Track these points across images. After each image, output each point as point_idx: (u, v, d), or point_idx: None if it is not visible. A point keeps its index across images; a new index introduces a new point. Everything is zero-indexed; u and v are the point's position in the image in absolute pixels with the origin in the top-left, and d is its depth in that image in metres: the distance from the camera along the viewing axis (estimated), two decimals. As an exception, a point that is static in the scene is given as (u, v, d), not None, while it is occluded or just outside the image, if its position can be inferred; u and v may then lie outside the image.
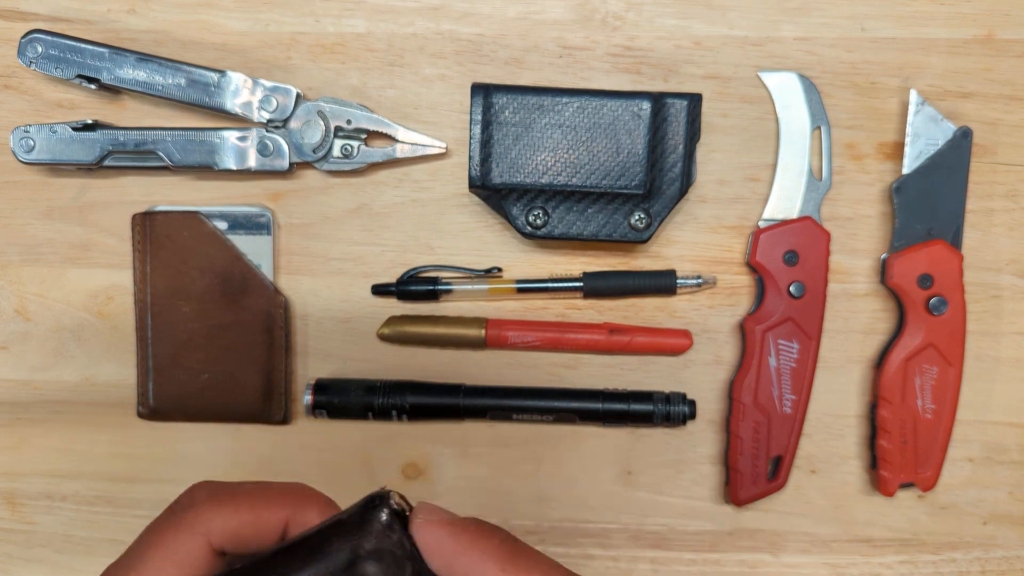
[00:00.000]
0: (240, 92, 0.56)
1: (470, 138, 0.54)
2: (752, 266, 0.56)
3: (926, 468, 0.56)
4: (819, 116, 0.56)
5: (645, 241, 0.55)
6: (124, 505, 0.60)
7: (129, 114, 0.59)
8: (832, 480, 0.58)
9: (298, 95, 0.56)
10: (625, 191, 0.54)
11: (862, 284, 0.58)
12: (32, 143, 0.57)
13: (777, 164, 0.56)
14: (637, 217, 0.55)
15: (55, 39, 0.56)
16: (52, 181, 0.59)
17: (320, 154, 0.57)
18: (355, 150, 0.57)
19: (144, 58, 0.56)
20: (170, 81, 0.56)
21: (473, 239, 0.58)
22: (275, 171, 0.57)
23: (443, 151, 0.57)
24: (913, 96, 0.55)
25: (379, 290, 0.59)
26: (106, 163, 0.57)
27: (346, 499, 0.59)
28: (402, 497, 0.33)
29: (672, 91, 0.55)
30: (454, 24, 0.57)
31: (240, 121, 0.57)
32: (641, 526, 0.59)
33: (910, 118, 0.55)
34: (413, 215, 0.58)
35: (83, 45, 0.56)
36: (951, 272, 0.55)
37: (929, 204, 0.56)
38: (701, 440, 0.59)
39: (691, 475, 0.59)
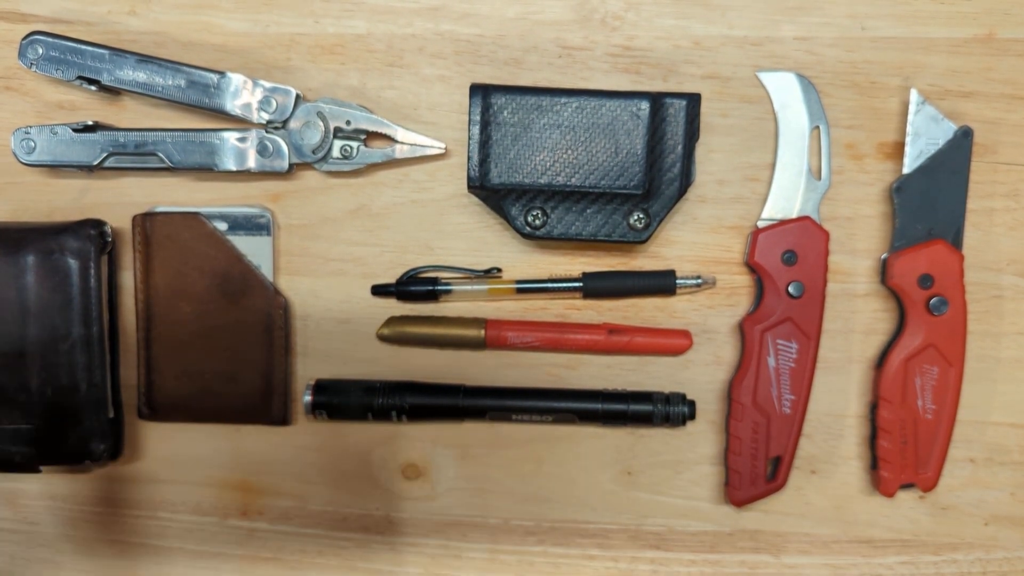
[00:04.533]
0: (240, 93, 0.56)
1: (469, 138, 0.54)
2: (751, 266, 0.56)
3: (927, 469, 0.56)
4: (817, 115, 0.56)
5: (644, 241, 0.55)
6: (124, 505, 0.61)
7: (129, 115, 0.59)
8: (832, 481, 0.58)
9: (298, 96, 0.56)
10: (624, 191, 0.54)
11: (862, 284, 0.57)
12: (33, 144, 0.57)
13: (776, 164, 0.56)
14: (636, 217, 0.55)
15: (56, 41, 0.56)
16: (53, 182, 0.60)
17: (320, 155, 0.57)
18: (354, 151, 0.57)
19: (144, 59, 0.56)
20: (170, 82, 0.56)
21: (472, 239, 0.58)
22: (275, 172, 0.57)
23: (442, 152, 0.57)
24: (913, 95, 0.55)
25: (379, 291, 0.59)
26: (107, 164, 0.57)
27: (346, 499, 0.59)
28: None
29: (671, 91, 0.55)
30: (453, 25, 0.58)
31: (240, 122, 0.57)
32: (641, 527, 0.59)
33: (910, 117, 0.55)
34: (412, 216, 0.58)
35: (83, 47, 0.56)
36: (952, 272, 0.55)
37: (929, 204, 0.55)
38: (701, 440, 0.58)
39: (691, 476, 0.59)
